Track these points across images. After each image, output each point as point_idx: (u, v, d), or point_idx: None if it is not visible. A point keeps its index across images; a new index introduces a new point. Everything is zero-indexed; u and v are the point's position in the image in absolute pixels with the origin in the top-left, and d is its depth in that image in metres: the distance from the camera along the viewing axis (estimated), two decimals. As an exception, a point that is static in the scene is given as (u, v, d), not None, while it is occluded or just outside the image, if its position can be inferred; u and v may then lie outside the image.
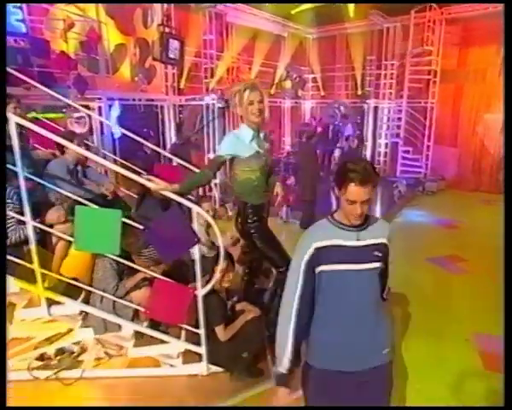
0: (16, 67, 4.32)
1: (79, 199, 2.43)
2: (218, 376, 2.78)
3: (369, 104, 11.10)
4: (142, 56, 8.04)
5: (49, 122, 4.42)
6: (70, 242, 2.45)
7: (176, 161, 4.26)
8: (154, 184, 2.43)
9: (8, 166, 2.06)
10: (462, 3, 9.46)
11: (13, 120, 2.05)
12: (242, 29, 10.02)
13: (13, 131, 2.05)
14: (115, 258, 2.48)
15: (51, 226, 2.49)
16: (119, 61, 7.70)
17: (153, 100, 8.50)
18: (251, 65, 10.73)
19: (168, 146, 8.35)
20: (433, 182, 10.53)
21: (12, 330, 3.08)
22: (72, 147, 2.54)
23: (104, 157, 6.36)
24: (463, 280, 5.03)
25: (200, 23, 8.93)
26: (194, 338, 2.70)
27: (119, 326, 2.62)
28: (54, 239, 2.56)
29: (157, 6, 8.01)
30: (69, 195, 2.53)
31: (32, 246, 2.28)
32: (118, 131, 6.95)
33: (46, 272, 2.36)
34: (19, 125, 2.15)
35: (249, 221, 2.69)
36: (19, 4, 5.28)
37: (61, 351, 2.93)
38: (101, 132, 6.85)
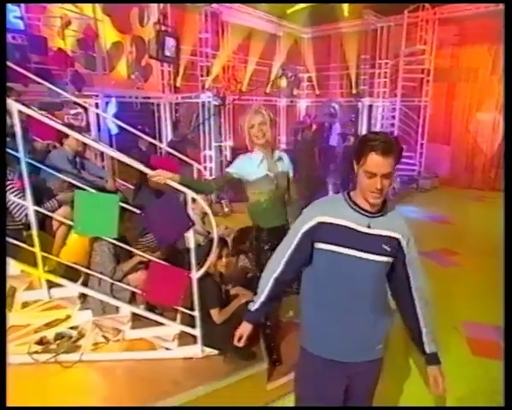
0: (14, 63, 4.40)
1: (82, 185, 2.54)
2: (212, 358, 2.87)
3: (363, 102, 11.24)
4: (138, 54, 8.14)
5: (47, 114, 4.49)
6: (70, 227, 2.55)
7: (171, 153, 4.35)
8: (158, 175, 2.46)
9: (10, 151, 2.15)
10: (455, 3, 9.59)
11: (15, 107, 2.15)
12: (238, 28, 10.12)
13: (15, 118, 2.14)
14: (113, 241, 2.57)
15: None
16: (116, 59, 7.79)
17: (149, 98, 8.59)
18: (246, 63, 10.84)
19: (164, 144, 8.44)
20: (426, 179, 10.69)
21: (12, 318, 3.18)
22: (73, 134, 2.63)
23: (101, 153, 6.49)
24: (453, 272, 5.16)
25: (196, 22, 9.05)
26: (189, 321, 2.79)
27: (117, 309, 2.71)
28: (54, 225, 2.66)
29: (153, 4, 8.10)
30: (73, 182, 2.62)
31: (34, 230, 2.37)
32: (114, 127, 7.05)
33: (47, 255, 2.45)
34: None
35: (261, 244, 2.70)
36: (17, 1, 5.35)
37: (60, 336, 3.01)
38: (98, 129, 6.94)
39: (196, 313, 2.69)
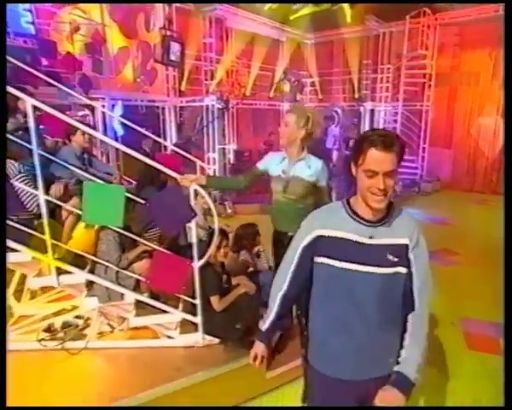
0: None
1: (90, 177, 2.68)
2: (212, 347, 2.97)
3: (365, 107, 11.36)
4: (144, 59, 8.35)
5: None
6: (78, 217, 2.69)
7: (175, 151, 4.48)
8: (185, 179, 2.57)
9: (24, 143, 2.29)
10: (455, 3, 9.66)
11: (30, 102, 2.29)
12: (241, 33, 10.32)
13: (29, 111, 2.28)
14: (118, 230, 2.70)
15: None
16: (122, 63, 8.00)
17: (154, 101, 8.78)
18: (250, 68, 11.02)
19: (168, 143, 8.60)
20: (428, 183, 10.75)
21: (20, 308, 3.31)
22: (83, 127, 2.77)
23: (107, 153, 6.66)
24: (453, 271, 5.22)
25: (201, 27, 9.25)
26: (190, 309, 2.90)
27: (122, 296, 2.83)
28: (63, 214, 2.80)
29: (159, 10, 8.32)
30: (82, 174, 2.75)
31: (45, 219, 2.51)
32: (120, 129, 7.22)
33: (56, 242, 2.58)
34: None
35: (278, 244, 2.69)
36: (28, 7, 5.55)
37: (66, 324, 3.14)
38: (105, 131, 7.12)
39: (197, 302, 2.80)
